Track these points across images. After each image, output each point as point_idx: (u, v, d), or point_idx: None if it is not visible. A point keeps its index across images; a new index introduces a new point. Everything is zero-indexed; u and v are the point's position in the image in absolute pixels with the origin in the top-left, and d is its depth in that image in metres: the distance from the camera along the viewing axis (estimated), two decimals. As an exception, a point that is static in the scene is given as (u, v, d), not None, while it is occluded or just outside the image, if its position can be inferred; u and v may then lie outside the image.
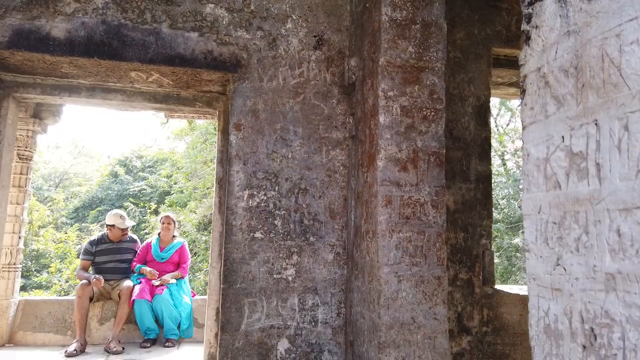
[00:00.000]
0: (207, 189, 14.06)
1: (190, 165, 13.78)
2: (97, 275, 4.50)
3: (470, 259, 3.58)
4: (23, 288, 12.09)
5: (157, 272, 4.85)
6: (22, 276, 10.04)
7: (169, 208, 13.88)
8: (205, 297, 5.26)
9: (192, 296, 5.10)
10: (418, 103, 2.97)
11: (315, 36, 3.68)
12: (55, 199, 16.94)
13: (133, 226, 5.24)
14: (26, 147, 4.68)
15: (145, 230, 14.29)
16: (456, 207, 3.61)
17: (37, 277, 13.08)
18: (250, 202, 3.44)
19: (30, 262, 13.56)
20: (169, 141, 18.64)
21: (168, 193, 16.03)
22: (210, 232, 13.49)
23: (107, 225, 4.88)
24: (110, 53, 3.35)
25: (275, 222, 3.46)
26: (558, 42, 1.34)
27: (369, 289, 2.94)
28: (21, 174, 4.64)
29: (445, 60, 3.05)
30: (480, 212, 3.66)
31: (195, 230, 13.32)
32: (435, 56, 3.02)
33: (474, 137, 3.79)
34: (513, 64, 4.18)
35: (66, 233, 14.51)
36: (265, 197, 3.47)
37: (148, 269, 4.86)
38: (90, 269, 4.77)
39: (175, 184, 15.79)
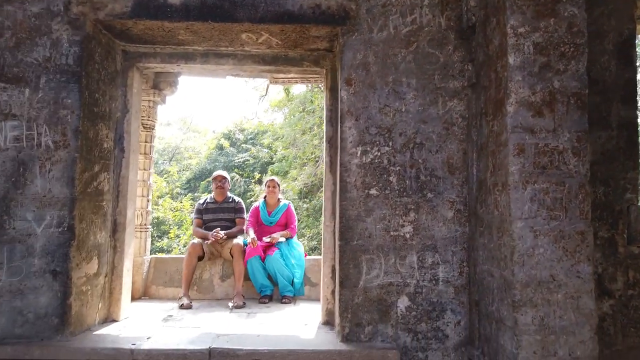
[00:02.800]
0: (307, 158, 14.30)
1: (290, 134, 14.05)
2: (217, 230, 4.69)
3: (612, 216, 3.18)
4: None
5: (258, 242, 4.97)
6: (147, 241, 11.05)
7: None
8: (316, 257, 5.36)
9: (304, 256, 5.21)
10: (554, 38, 2.64)
11: (427, -22, 3.42)
12: (169, 171, 18.33)
13: (235, 189, 5.31)
14: (149, 117, 5.01)
15: (250, 199, 14.97)
16: (595, 158, 3.21)
17: (159, 242, 14.34)
18: (364, 159, 3.35)
19: (152, 229, 14.89)
20: (267, 114, 19.21)
21: (270, 163, 16.60)
22: (310, 201, 13.80)
23: (212, 180, 5.15)
24: (222, 15, 3.39)
25: (390, 178, 3.34)
26: None
27: (499, 245, 2.73)
28: (145, 142, 4.99)
29: (584, -12, 2.66)
30: (624, 163, 3.22)
31: (297, 197, 13.67)
32: (573, -17, 2.64)
33: (615, 79, 3.31)
34: (662, -10, 3.56)
35: (181, 202, 15.67)
36: (378, 153, 3.36)
37: (252, 236, 4.99)
38: (202, 227, 5.04)
39: (275, 153, 16.28)
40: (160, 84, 5.03)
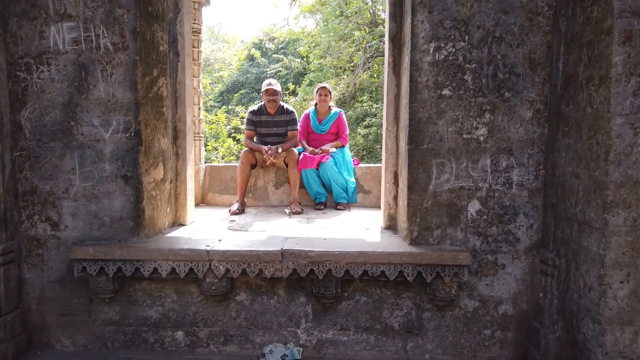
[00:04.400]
0: (342, 68, 13.80)
1: (326, 41, 13.44)
2: (269, 147, 4.58)
3: None
4: (189, 164, 13.51)
5: (318, 152, 4.88)
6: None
7: (308, 87, 14.02)
8: (369, 165, 5.30)
9: (356, 164, 5.15)
10: None
11: None
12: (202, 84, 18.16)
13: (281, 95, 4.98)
14: (194, 20, 4.77)
15: (286, 111, 14.78)
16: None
17: (198, 154, 14.55)
18: (437, 56, 3.12)
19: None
20: (298, 20, 18.33)
21: (303, 73, 16.13)
22: (347, 111, 13.51)
23: (262, 93, 4.91)
24: None
25: (465, 77, 3.12)
26: None
27: (589, 145, 2.56)
28: (193, 47, 4.80)
29: None
30: None
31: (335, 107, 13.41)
32: None
33: None
34: None
35: (216, 115, 15.66)
36: (453, 50, 3.11)
37: (310, 148, 4.93)
38: (255, 139, 4.96)
39: (308, 64, 15.75)
40: (204, -17, 4.73)
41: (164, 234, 3.49)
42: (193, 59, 4.79)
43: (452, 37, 3.09)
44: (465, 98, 3.12)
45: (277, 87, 4.86)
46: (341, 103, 13.73)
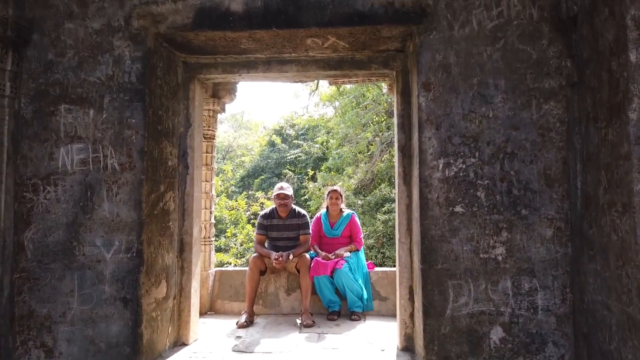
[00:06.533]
0: (360, 153, 13.96)
1: (346, 130, 13.73)
2: (280, 254, 4.44)
3: None
4: (207, 251, 13.40)
5: (331, 257, 4.70)
6: (206, 241, 11.03)
7: (326, 174, 14.13)
8: (385, 269, 5.07)
9: (371, 268, 4.93)
10: (689, 29, 2.19)
11: (516, -35, 3.01)
12: (224, 170, 18.54)
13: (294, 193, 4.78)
14: (209, 127, 4.87)
15: (305, 196, 14.85)
16: None
17: (217, 241, 14.51)
18: (447, 172, 3.02)
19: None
20: (318, 107, 18.96)
21: (322, 159, 16.37)
22: (365, 197, 13.46)
23: (273, 197, 4.83)
24: (286, 20, 3.15)
25: (478, 193, 2.99)
26: None
27: (619, 276, 2.33)
28: (207, 152, 4.86)
29: None
30: None
31: (352, 194, 13.39)
32: None
33: None
34: None
35: (236, 201, 15.77)
36: (463, 166, 3.01)
37: (323, 253, 4.75)
38: (266, 243, 4.80)
39: (327, 149, 16.03)
40: (219, 92, 4.88)
41: (164, 357, 3.28)
42: (206, 164, 4.83)
43: (462, 153, 3.01)
44: (480, 215, 2.97)
45: (289, 191, 4.77)
46: (361, 188, 13.71)
